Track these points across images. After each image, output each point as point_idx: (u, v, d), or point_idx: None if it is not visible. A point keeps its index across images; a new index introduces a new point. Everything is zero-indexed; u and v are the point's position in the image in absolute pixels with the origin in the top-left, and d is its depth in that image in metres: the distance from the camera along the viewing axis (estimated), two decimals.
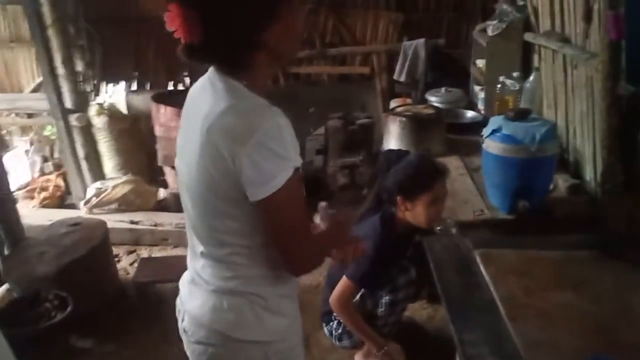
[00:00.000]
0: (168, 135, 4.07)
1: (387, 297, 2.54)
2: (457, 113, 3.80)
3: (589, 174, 2.63)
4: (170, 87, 5.20)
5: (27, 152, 5.04)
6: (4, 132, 5.00)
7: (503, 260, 1.87)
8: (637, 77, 2.27)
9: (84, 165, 4.49)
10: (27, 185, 4.76)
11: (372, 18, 5.30)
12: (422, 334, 2.88)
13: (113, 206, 4.19)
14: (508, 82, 3.29)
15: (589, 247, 1.91)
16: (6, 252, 3.27)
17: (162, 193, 4.38)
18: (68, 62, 4.33)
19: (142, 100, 4.69)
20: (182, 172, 1.38)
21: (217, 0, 1.21)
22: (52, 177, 4.81)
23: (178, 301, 1.53)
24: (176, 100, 3.36)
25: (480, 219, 2.47)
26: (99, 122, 4.49)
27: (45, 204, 4.49)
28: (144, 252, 3.89)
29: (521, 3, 3.53)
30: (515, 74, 3.32)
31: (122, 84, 4.84)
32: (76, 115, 4.36)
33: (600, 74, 2.30)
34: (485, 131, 2.47)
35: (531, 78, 3.15)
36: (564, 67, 2.83)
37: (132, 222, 4.03)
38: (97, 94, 4.85)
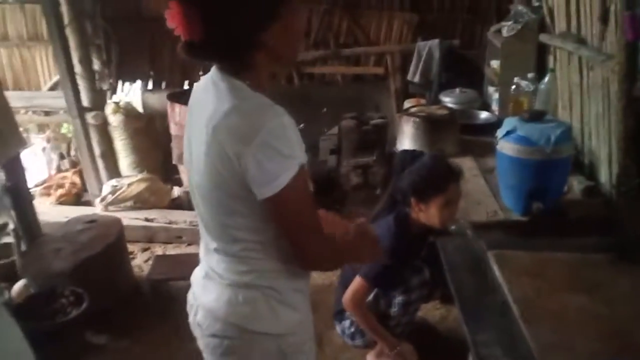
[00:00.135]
0: (183, 134, 4.08)
1: (400, 298, 2.54)
2: (471, 114, 3.78)
3: (604, 176, 2.62)
4: (186, 86, 5.22)
5: (44, 149, 5.09)
6: (21, 129, 5.06)
7: (517, 261, 1.87)
8: None
9: (99, 163, 4.54)
10: (43, 182, 4.81)
11: (387, 19, 5.31)
12: (435, 335, 2.88)
13: (128, 204, 4.23)
14: (523, 83, 3.27)
15: (603, 249, 1.90)
16: (23, 248, 3.30)
17: (176, 191, 4.41)
18: (85, 61, 4.38)
19: (158, 99, 4.72)
20: (192, 173, 1.39)
21: None
22: (69, 174, 4.86)
23: (190, 296, 1.55)
24: None
25: (494, 220, 2.46)
26: (115, 120, 4.53)
27: (61, 201, 4.53)
28: (158, 250, 3.92)
29: (536, 4, 3.51)
30: (530, 75, 3.30)
31: (138, 82, 4.87)
32: (93, 113, 4.41)
33: (616, 75, 2.28)
34: (500, 132, 2.46)
35: (546, 79, 3.13)
36: (579, 68, 2.82)
37: (146, 220, 4.06)
38: (113, 93, 4.89)
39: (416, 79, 5.03)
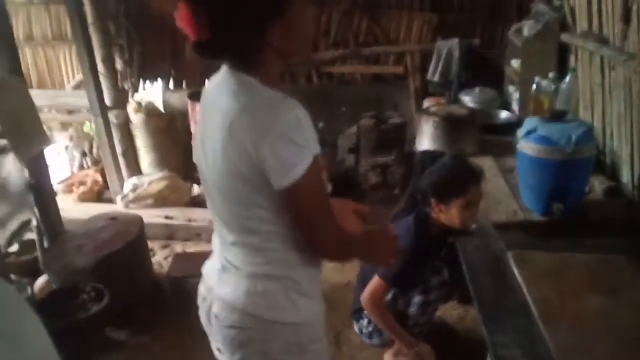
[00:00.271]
0: None
1: (419, 298, 2.54)
2: (491, 114, 3.76)
3: (626, 177, 2.59)
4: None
5: (66, 147, 5.16)
6: (45, 127, 5.12)
7: (537, 262, 1.86)
8: None
9: (121, 161, 4.58)
10: (66, 179, 4.87)
11: (407, 19, 5.29)
12: (453, 335, 2.87)
13: (149, 202, 4.26)
14: (544, 83, 3.25)
15: (625, 251, 1.88)
16: (46, 244, 3.35)
17: (196, 189, 4.44)
18: (108, 61, 4.43)
19: (179, 99, 4.75)
20: (206, 168, 1.41)
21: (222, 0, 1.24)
22: (91, 172, 4.91)
23: (201, 289, 1.57)
24: None
25: (514, 221, 2.45)
26: (136, 119, 4.58)
27: (83, 199, 4.58)
28: (178, 247, 3.95)
29: (558, 3, 3.48)
30: (551, 75, 3.27)
31: (160, 82, 4.91)
32: (115, 112, 4.46)
33: (638, 75, 2.26)
34: (520, 132, 2.45)
35: (567, 79, 3.10)
36: (601, 68, 2.79)
37: (167, 218, 4.10)
38: (135, 92, 4.94)
39: (436, 78, 5.01)
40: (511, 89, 4.06)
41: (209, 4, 1.24)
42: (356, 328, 2.77)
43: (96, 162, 5.06)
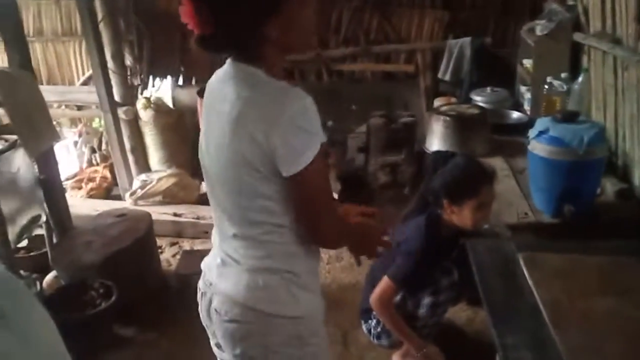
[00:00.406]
0: None
1: (428, 299, 2.52)
2: (502, 113, 3.75)
3: (637, 179, 2.57)
4: None
5: (75, 143, 5.18)
6: (54, 123, 5.15)
7: (547, 264, 1.85)
8: None
9: (130, 157, 4.58)
10: (75, 175, 4.88)
11: (418, 16, 5.27)
12: (462, 337, 2.85)
13: (157, 198, 4.26)
14: (556, 83, 3.23)
15: (636, 253, 1.86)
16: (55, 240, 3.36)
17: (204, 187, 4.43)
18: (118, 57, 4.44)
19: (188, 95, 4.76)
20: (209, 160, 1.44)
21: None
22: (100, 168, 4.92)
23: (200, 284, 1.58)
24: None
25: (525, 222, 2.44)
26: (145, 115, 4.58)
27: (92, 195, 4.59)
28: (186, 245, 3.95)
29: (571, 2, 3.46)
30: (563, 75, 3.25)
31: (169, 78, 4.92)
32: (124, 108, 4.46)
33: None
34: (532, 132, 2.43)
35: (580, 79, 3.08)
36: (614, 68, 2.77)
37: (175, 215, 4.10)
38: (144, 88, 4.95)
39: (447, 77, 4.99)
40: (523, 88, 4.04)
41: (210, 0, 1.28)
42: (364, 328, 2.76)
43: (105, 158, 5.07)
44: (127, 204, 4.25)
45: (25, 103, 2.99)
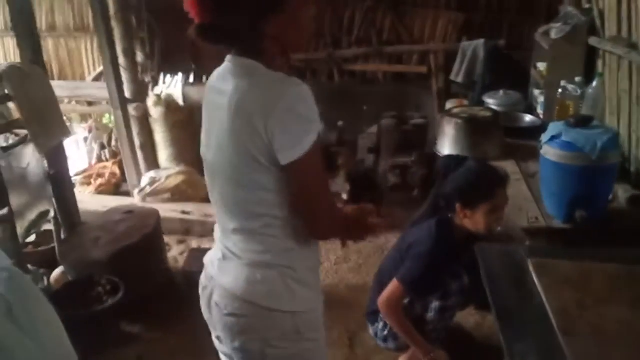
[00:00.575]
0: None
1: (437, 303, 2.50)
2: (514, 117, 3.71)
3: None
4: None
5: (85, 139, 5.19)
6: (65, 118, 5.16)
7: (557, 270, 1.82)
8: None
9: (139, 154, 4.59)
10: (84, 171, 4.91)
11: (432, 17, 5.24)
12: (470, 341, 2.83)
13: (166, 196, 4.27)
14: (570, 87, 3.19)
15: None
16: (63, 235, 3.36)
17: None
18: (129, 53, 4.44)
19: (198, 93, 4.74)
20: (211, 155, 1.47)
21: None
22: (109, 164, 4.94)
23: (202, 278, 1.61)
24: None
25: (535, 227, 2.41)
26: (155, 112, 4.58)
27: (100, 191, 4.61)
28: (194, 243, 3.95)
29: (587, 6, 3.42)
30: (577, 79, 3.22)
31: (180, 75, 4.91)
32: (134, 105, 4.47)
33: None
34: (544, 137, 2.41)
35: (594, 84, 3.04)
36: (629, 74, 2.74)
37: (183, 212, 4.10)
38: (155, 85, 4.95)
39: (459, 79, 4.96)
40: (536, 92, 4.00)
41: None
42: (371, 331, 2.74)
43: (114, 155, 5.08)
44: (135, 200, 4.26)
45: (36, 98, 2.99)
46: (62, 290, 3.02)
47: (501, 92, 4.01)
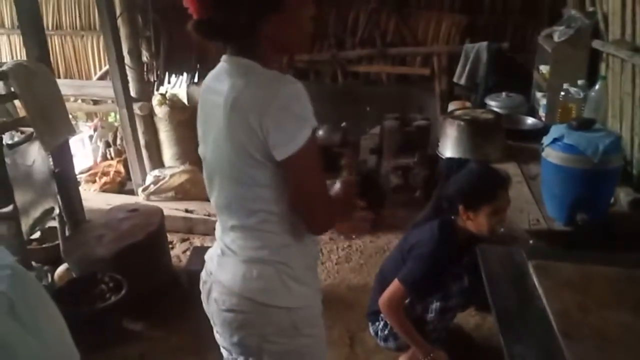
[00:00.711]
0: None
1: (438, 303, 2.51)
2: (517, 119, 3.72)
3: None
4: None
5: (90, 137, 5.21)
6: (70, 117, 5.18)
7: (558, 273, 1.82)
8: None
9: (144, 153, 4.60)
10: (89, 169, 4.92)
11: (435, 19, 5.25)
12: (470, 343, 2.84)
13: (169, 194, 4.29)
14: (572, 90, 3.20)
15: None
16: (67, 233, 3.38)
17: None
18: (134, 52, 4.46)
19: None
20: (208, 153, 1.49)
21: None
22: (114, 162, 4.96)
23: (203, 274, 1.63)
24: None
25: (536, 229, 2.42)
26: (160, 111, 4.60)
27: (105, 189, 4.63)
28: (197, 241, 3.96)
29: (591, 9, 3.42)
30: (580, 82, 3.22)
31: (185, 75, 4.93)
32: (139, 104, 4.48)
33: None
34: (546, 139, 2.42)
35: (597, 87, 3.05)
36: (632, 77, 2.74)
37: (186, 211, 4.12)
38: (160, 85, 4.97)
39: (462, 81, 4.97)
40: (539, 94, 4.01)
41: None
42: (371, 330, 2.75)
43: (119, 153, 5.10)
44: (139, 199, 4.28)
45: (42, 96, 3.00)
46: (66, 287, 3.03)
47: (503, 94, 4.03)
